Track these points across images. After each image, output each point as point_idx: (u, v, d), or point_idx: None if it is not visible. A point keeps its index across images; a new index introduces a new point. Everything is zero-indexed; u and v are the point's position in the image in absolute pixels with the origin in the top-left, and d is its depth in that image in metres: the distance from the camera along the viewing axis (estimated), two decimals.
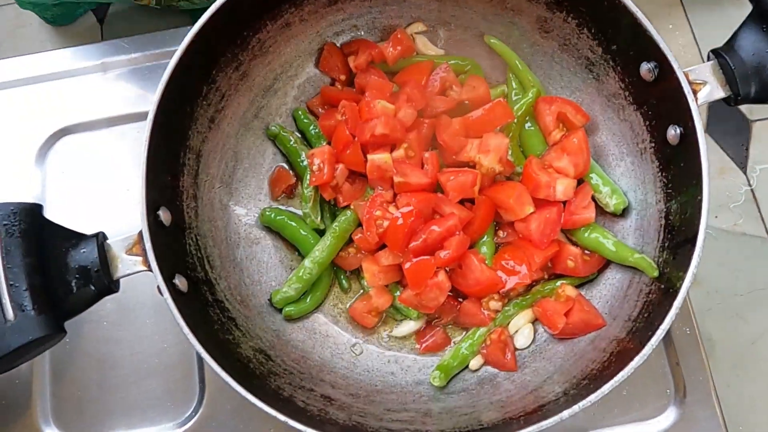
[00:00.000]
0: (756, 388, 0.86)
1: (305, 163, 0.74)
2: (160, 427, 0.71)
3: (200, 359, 0.72)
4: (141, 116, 0.80)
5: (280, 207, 0.75)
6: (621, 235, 0.69)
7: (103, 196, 0.79)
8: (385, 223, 0.67)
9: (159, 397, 0.72)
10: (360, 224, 0.71)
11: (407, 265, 0.66)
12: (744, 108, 0.85)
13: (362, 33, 0.78)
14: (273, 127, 0.75)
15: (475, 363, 0.68)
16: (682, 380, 0.69)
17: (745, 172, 0.82)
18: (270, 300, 0.71)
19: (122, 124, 0.82)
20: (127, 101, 0.82)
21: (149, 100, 0.59)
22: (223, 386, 0.56)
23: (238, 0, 0.65)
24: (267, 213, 0.74)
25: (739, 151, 0.83)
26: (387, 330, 0.72)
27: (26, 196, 0.79)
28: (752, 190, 0.81)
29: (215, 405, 0.71)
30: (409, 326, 0.71)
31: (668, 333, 0.69)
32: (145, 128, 0.61)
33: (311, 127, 0.76)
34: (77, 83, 0.83)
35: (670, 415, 0.69)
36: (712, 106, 0.86)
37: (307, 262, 0.70)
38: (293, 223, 0.73)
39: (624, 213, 0.70)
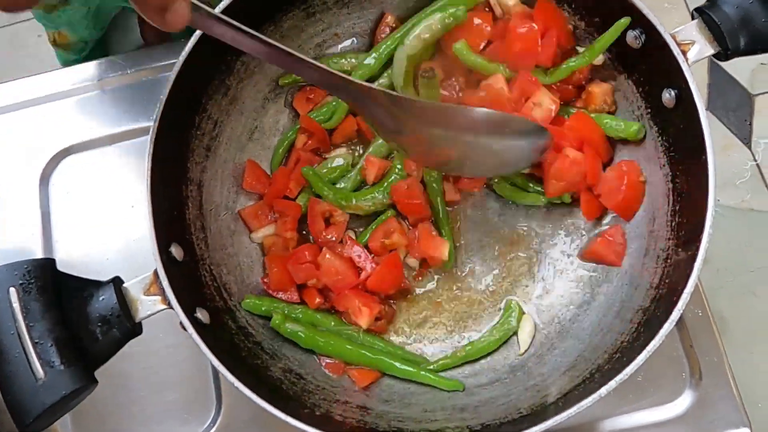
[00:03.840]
0: None
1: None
2: None
3: (215, 371, 0.72)
4: (142, 132, 0.82)
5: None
6: None
7: (108, 213, 0.80)
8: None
9: (177, 410, 0.72)
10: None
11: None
12: (745, 82, 0.84)
13: (345, 41, 0.77)
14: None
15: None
16: (696, 363, 0.69)
17: (749, 147, 0.81)
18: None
19: (124, 140, 0.82)
20: (127, 117, 0.83)
21: (147, 115, 0.59)
22: (240, 396, 0.56)
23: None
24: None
25: (742, 126, 0.82)
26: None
27: (32, 217, 0.80)
28: (758, 165, 0.81)
29: (233, 415, 0.71)
30: None
31: (681, 318, 0.69)
32: (146, 145, 0.61)
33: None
34: (76, 103, 0.84)
35: (686, 399, 0.68)
36: (713, 84, 0.85)
37: None
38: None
39: None
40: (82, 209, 0.80)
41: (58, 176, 0.82)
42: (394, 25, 0.75)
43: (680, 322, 0.70)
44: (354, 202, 0.72)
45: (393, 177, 0.72)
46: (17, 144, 0.83)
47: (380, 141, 0.73)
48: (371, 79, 0.74)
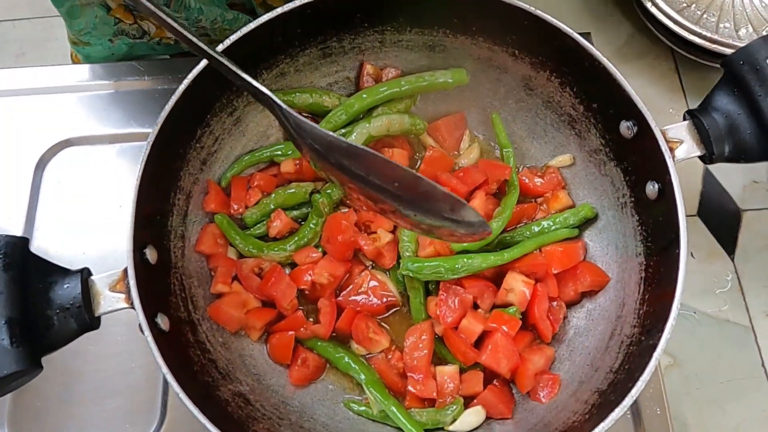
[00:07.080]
0: None
1: None
2: None
3: (165, 384, 0.72)
4: (144, 136, 0.79)
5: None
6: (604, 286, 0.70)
7: (95, 209, 0.81)
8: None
9: (120, 417, 0.71)
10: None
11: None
12: (736, 197, 0.87)
13: (353, 82, 0.80)
14: None
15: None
16: None
17: (732, 259, 0.83)
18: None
19: (124, 141, 0.84)
20: (134, 121, 0.85)
21: (154, 122, 0.61)
22: (185, 413, 0.55)
23: (235, 49, 0.68)
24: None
25: (728, 238, 0.84)
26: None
27: (21, 198, 0.81)
28: (739, 278, 0.83)
29: (175, 431, 0.69)
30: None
31: (638, 412, 0.69)
32: (143, 152, 0.62)
33: None
34: (88, 98, 0.86)
35: None
36: (705, 192, 0.88)
37: None
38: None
39: (607, 266, 0.71)
40: (71, 200, 0.82)
41: (55, 165, 0.84)
42: (373, 74, 0.78)
43: (638, 418, 0.69)
44: (265, 252, 0.71)
45: (302, 235, 0.72)
46: (23, 127, 0.85)
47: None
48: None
